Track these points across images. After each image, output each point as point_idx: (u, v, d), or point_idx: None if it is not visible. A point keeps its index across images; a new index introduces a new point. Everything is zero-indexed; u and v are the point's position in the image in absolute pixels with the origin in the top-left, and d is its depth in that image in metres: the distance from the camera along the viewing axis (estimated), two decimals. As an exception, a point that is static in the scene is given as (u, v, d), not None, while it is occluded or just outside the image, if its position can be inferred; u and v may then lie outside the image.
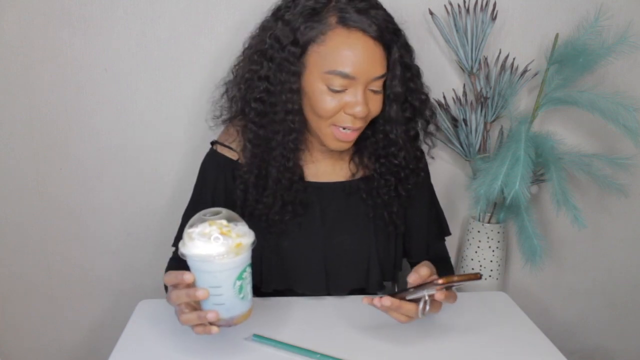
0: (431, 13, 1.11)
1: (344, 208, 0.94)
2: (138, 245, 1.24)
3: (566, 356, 0.79)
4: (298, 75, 0.83)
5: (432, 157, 1.03)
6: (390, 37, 0.82)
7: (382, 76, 0.82)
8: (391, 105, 0.87)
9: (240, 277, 0.67)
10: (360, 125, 0.85)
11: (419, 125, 0.93)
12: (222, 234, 0.66)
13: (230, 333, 0.81)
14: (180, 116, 1.16)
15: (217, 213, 0.69)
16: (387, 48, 0.82)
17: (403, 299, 0.76)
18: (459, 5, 1.11)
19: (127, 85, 1.13)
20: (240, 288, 0.68)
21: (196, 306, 0.71)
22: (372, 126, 0.91)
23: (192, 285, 0.69)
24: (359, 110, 0.81)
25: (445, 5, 1.11)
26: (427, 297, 0.73)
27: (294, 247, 0.92)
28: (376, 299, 0.75)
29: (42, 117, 1.13)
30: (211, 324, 0.70)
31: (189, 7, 1.09)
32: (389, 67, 0.84)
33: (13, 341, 1.29)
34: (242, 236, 0.67)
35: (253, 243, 0.69)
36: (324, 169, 0.95)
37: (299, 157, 0.91)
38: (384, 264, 0.96)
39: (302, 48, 0.82)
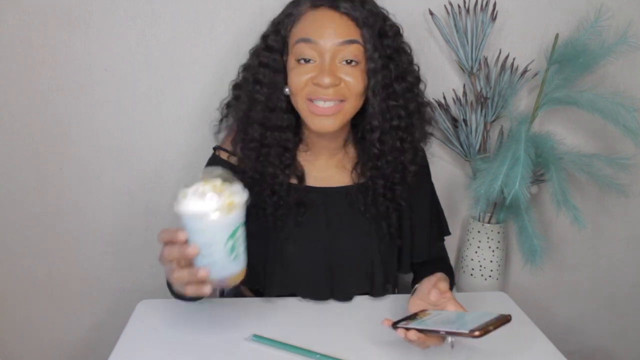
0: (431, 13, 1.11)
1: (347, 213, 0.94)
2: (138, 245, 1.24)
3: (566, 356, 0.79)
4: (279, 53, 0.87)
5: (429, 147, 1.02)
6: (360, 12, 0.83)
7: (348, 42, 0.82)
8: (369, 84, 0.86)
9: (232, 236, 0.67)
10: (332, 96, 0.83)
11: (405, 114, 0.90)
12: (215, 191, 0.66)
13: (230, 333, 0.81)
14: (180, 116, 1.16)
15: (213, 172, 0.69)
16: (358, 23, 0.83)
17: (425, 330, 0.72)
18: (459, 6, 1.11)
19: (127, 85, 1.13)
20: (232, 248, 0.67)
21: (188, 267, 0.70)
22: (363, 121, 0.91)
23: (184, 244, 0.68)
24: (323, 79, 0.81)
25: (445, 6, 1.11)
26: (451, 340, 0.72)
27: (298, 252, 0.92)
28: (400, 331, 0.72)
29: (42, 117, 1.13)
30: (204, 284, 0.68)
31: (189, 7, 1.09)
32: (365, 44, 0.83)
33: (13, 341, 1.29)
34: (235, 194, 0.67)
35: (247, 202, 0.68)
36: (327, 174, 0.95)
37: (285, 152, 0.91)
38: (387, 268, 0.96)
39: (282, 37, 0.86)
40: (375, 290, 0.95)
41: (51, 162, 1.17)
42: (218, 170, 0.70)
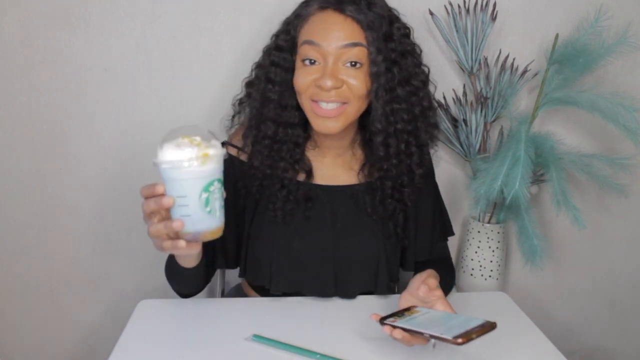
0: (431, 13, 1.11)
1: (353, 212, 0.94)
2: (138, 245, 1.24)
3: (566, 356, 0.79)
4: (289, 52, 0.88)
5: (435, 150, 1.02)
6: (365, 15, 0.82)
7: (352, 45, 0.82)
8: (373, 87, 0.86)
9: (206, 189, 0.67)
10: (334, 98, 0.83)
11: (409, 118, 0.90)
12: (190, 143, 0.67)
13: (230, 333, 0.81)
14: (180, 116, 1.16)
15: (193, 130, 0.70)
16: (363, 25, 0.83)
17: (411, 330, 0.73)
18: (459, 6, 1.11)
19: (127, 85, 1.13)
20: (207, 201, 0.68)
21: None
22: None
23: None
24: (325, 82, 0.82)
25: (445, 6, 1.11)
26: (434, 342, 0.72)
27: (304, 248, 0.92)
28: (387, 328, 0.73)
29: (42, 117, 1.13)
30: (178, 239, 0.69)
31: (189, 7, 1.09)
32: (369, 47, 0.83)
33: (13, 341, 1.29)
34: (212, 148, 0.68)
35: (223, 156, 0.69)
36: (334, 172, 0.96)
37: (295, 147, 0.92)
38: (391, 267, 0.96)
39: (292, 37, 0.87)
40: (380, 289, 0.95)
41: (51, 162, 1.17)
42: (198, 129, 0.70)
